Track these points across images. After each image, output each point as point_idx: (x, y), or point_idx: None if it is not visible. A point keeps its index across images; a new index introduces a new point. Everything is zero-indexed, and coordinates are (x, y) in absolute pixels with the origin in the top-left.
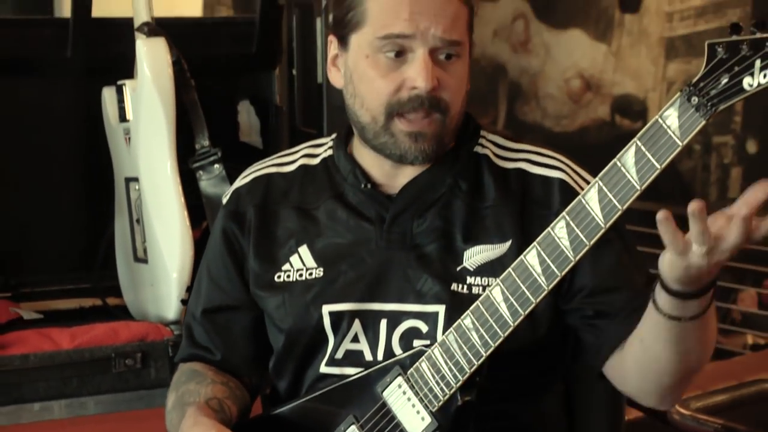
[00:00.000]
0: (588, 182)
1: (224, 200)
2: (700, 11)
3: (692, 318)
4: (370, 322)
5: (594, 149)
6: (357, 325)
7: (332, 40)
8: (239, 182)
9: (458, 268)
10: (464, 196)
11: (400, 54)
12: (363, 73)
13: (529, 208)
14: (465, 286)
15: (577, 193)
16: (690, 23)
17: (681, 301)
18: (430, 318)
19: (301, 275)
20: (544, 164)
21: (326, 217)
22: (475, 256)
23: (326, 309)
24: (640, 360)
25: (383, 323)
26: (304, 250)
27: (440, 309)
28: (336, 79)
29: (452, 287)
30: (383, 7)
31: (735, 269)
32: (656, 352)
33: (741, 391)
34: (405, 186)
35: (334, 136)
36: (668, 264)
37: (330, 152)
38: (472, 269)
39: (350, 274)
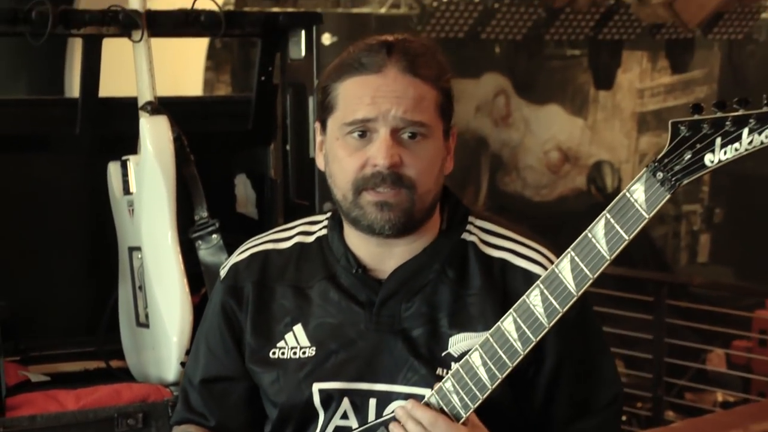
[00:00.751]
0: None
1: (222, 274)
2: (669, 88)
3: None
4: (359, 400)
5: (572, 217)
6: (346, 403)
7: (317, 125)
8: (237, 257)
9: (443, 354)
10: (451, 282)
11: (365, 134)
12: (335, 154)
13: (510, 299)
14: (449, 371)
15: None
16: (660, 99)
17: None
18: (417, 399)
19: (295, 353)
20: (527, 257)
21: (319, 297)
22: (459, 342)
23: (317, 387)
24: None
25: (372, 402)
26: (298, 328)
27: (426, 392)
28: (320, 162)
29: (437, 371)
30: (350, 94)
31: (705, 331)
32: None
33: None
34: (394, 271)
35: (328, 214)
36: None
37: (324, 231)
38: (456, 355)
39: (341, 355)
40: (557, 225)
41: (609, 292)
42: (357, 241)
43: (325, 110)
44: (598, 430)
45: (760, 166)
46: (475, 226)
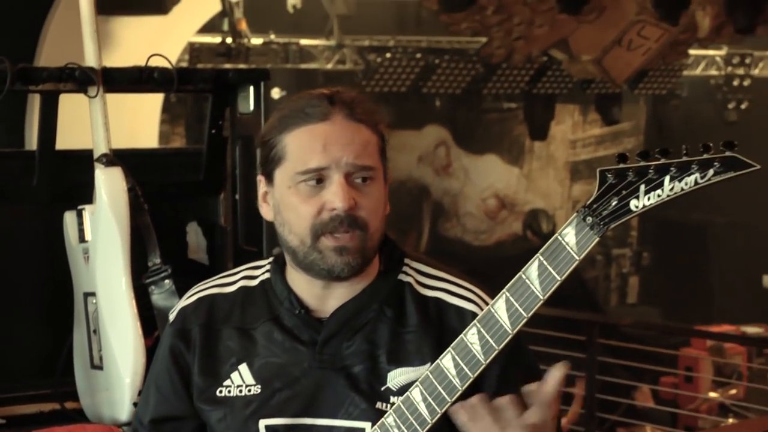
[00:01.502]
0: None
1: (171, 318)
2: (600, 139)
3: None
4: None
5: (509, 261)
6: None
7: (261, 179)
8: (185, 302)
9: (383, 388)
10: (389, 321)
11: (320, 181)
12: (288, 202)
13: (445, 335)
14: (389, 405)
15: None
16: (591, 149)
17: None
18: None
19: (240, 391)
20: (460, 295)
21: (264, 338)
22: (398, 377)
23: (263, 423)
24: None
25: None
26: (243, 368)
27: (366, 426)
28: (266, 213)
29: (377, 405)
30: (299, 145)
31: (634, 368)
32: None
33: None
34: (335, 311)
35: (271, 259)
36: None
37: (267, 275)
38: (395, 389)
39: (285, 392)
40: (495, 269)
41: (544, 331)
42: (300, 284)
43: (271, 162)
44: None
45: (683, 212)
46: (411, 268)
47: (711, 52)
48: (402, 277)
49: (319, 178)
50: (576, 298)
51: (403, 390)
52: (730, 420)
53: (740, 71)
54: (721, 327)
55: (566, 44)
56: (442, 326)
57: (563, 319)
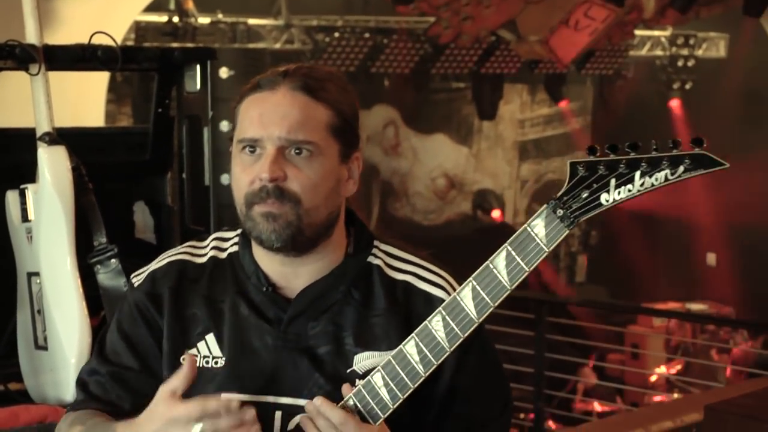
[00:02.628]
0: None
1: (136, 282)
2: (548, 119)
3: None
4: (264, 413)
5: (458, 240)
6: None
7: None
8: (155, 265)
9: (348, 371)
10: (356, 303)
11: (255, 150)
12: (233, 169)
13: (412, 320)
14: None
15: None
16: (539, 129)
17: None
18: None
19: (207, 362)
20: (429, 281)
21: (230, 312)
22: (364, 360)
23: (224, 397)
24: None
25: (278, 415)
26: (211, 338)
27: None
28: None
29: (342, 388)
30: (244, 115)
31: (582, 346)
32: None
33: None
34: (302, 291)
35: (239, 231)
36: None
37: (236, 248)
38: (361, 372)
39: (249, 368)
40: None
41: (499, 311)
42: (265, 260)
43: (233, 129)
44: None
45: None
46: (380, 250)
47: (656, 33)
48: (371, 259)
49: (254, 148)
50: (525, 278)
51: (368, 374)
52: (675, 395)
53: (684, 52)
54: (667, 304)
55: (514, 24)
56: (409, 311)
57: (513, 297)
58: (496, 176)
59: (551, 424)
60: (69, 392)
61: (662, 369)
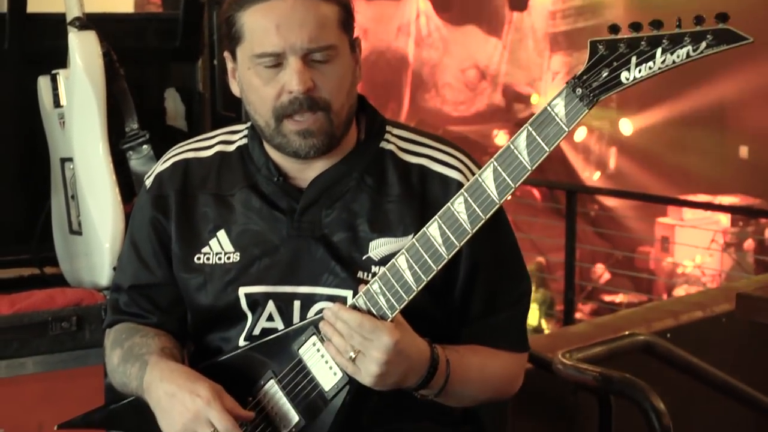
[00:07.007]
0: None
1: (147, 183)
2: (580, 10)
3: (437, 395)
4: (283, 303)
5: (488, 133)
6: (271, 306)
7: (227, 55)
8: (160, 166)
9: (364, 258)
10: (370, 190)
11: (277, 64)
12: (249, 82)
13: (428, 205)
14: (370, 275)
15: None
16: (571, 21)
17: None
18: (339, 301)
19: (220, 258)
20: (444, 162)
21: (241, 205)
22: (379, 247)
23: (242, 291)
24: None
25: (296, 304)
26: (222, 234)
27: (348, 294)
28: (235, 89)
29: (358, 274)
30: (254, 26)
31: (612, 237)
32: None
33: (617, 343)
34: (314, 179)
35: (249, 124)
36: None
37: (245, 141)
38: (377, 259)
39: (265, 260)
40: (475, 140)
41: (523, 199)
42: (276, 152)
43: (232, 40)
44: (507, 324)
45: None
46: (393, 135)
47: None
48: (384, 144)
49: (276, 61)
50: (552, 167)
51: (385, 260)
52: (703, 287)
53: None
54: (697, 197)
55: None
56: (424, 195)
57: (544, 187)
58: (526, 68)
59: (581, 314)
60: (104, 276)
61: (694, 261)
